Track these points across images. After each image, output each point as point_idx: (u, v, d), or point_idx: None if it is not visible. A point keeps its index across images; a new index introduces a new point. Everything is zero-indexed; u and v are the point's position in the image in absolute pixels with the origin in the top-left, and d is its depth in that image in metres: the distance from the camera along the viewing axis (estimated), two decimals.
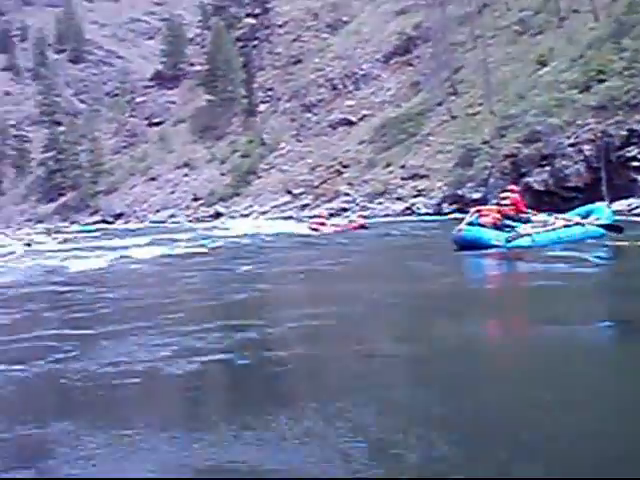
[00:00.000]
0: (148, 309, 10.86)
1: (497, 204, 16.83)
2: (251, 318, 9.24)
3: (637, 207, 24.11)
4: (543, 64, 41.69)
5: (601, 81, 29.39)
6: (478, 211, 16.55)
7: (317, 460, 3.94)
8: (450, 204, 34.89)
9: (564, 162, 27.31)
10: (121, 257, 22.33)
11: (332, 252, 20.34)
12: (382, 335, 8.01)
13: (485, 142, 35.68)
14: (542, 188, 27.87)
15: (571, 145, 27.42)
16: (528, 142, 29.96)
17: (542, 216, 16.82)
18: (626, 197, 24.91)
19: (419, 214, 38.90)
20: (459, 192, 33.58)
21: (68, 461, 4.22)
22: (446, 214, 32.92)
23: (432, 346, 6.78)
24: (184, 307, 10.94)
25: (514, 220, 15.91)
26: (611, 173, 26.08)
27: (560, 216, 16.81)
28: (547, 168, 28.09)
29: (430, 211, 37.28)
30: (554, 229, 15.63)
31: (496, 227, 15.66)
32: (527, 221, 16.09)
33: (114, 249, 26.76)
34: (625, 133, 25.85)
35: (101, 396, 5.85)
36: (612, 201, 25.45)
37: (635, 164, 25.31)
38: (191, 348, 7.25)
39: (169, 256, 22.15)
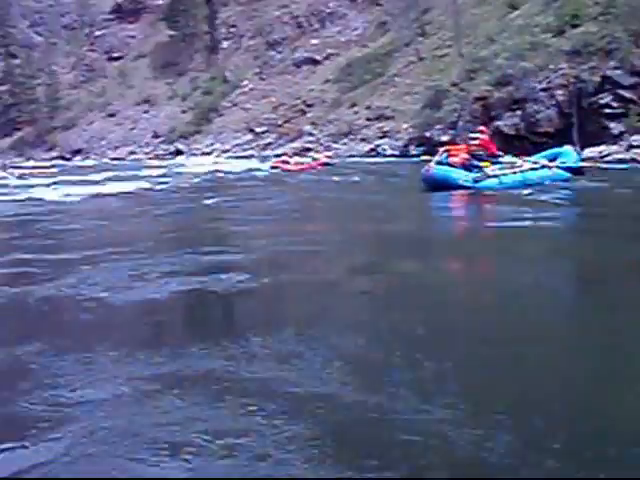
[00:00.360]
0: (118, 238, 10.91)
1: (466, 144, 16.77)
2: (218, 246, 9.34)
3: (609, 154, 23.75)
4: (514, 7, 41.00)
5: (575, 26, 28.79)
6: (447, 151, 16.49)
7: (283, 373, 4.10)
8: (417, 146, 34.22)
9: (535, 107, 26.67)
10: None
11: (296, 190, 20.17)
12: (342, 267, 7.96)
13: (454, 84, 35.03)
14: (512, 132, 27.26)
15: (543, 90, 26.79)
16: (499, 85, 29.31)
17: (509, 158, 16.77)
18: (597, 144, 24.50)
19: (384, 155, 38.35)
20: (427, 134, 32.88)
21: (38, 385, 4.17)
22: (412, 156, 32.33)
23: (389, 279, 6.97)
24: (154, 237, 11.05)
25: (482, 160, 15.83)
26: (583, 119, 25.57)
27: (527, 159, 16.90)
28: (518, 112, 27.39)
29: (396, 153, 36.71)
30: (521, 171, 15.69)
31: (464, 167, 15.55)
32: (495, 162, 16.02)
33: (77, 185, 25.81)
34: (598, 79, 25.28)
35: (70, 318, 5.89)
36: (583, 148, 25.16)
37: (608, 111, 24.73)
38: (161, 273, 7.27)
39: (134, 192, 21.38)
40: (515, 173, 15.59)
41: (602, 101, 25.19)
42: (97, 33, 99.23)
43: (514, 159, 16.65)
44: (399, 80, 46.92)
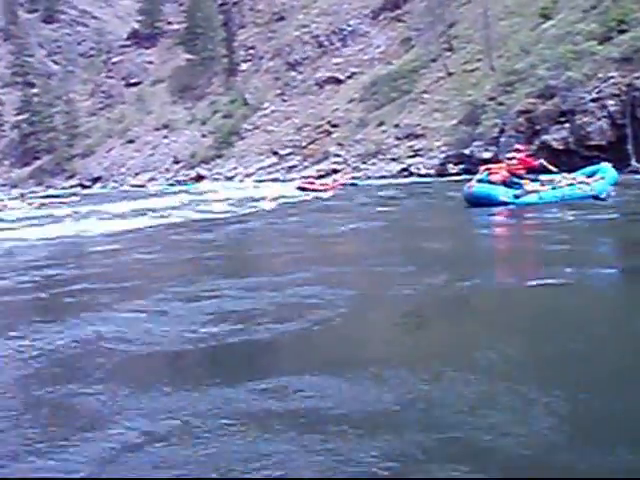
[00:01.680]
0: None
1: (506, 163, 17.05)
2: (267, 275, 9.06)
3: None
4: (547, 17, 39.55)
5: (622, 31, 27.19)
6: (488, 169, 16.94)
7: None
8: (455, 164, 32.65)
9: (585, 118, 25.04)
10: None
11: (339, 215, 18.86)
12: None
13: (491, 98, 33.43)
14: (561, 147, 25.69)
15: (593, 100, 25.16)
16: (542, 97, 27.77)
17: (548, 176, 17.13)
18: None
19: (419, 175, 36.70)
20: (465, 151, 31.26)
21: (93, 424, 3.98)
22: (451, 174, 30.69)
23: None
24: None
25: (522, 178, 16.32)
26: (637, 130, 23.96)
27: (566, 175, 17.13)
28: (566, 125, 25.83)
29: (431, 172, 35.00)
30: (560, 187, 16.09)
31: (505, 184, 16.12)
32: (534, 179, 16.49)
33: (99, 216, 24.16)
34: None
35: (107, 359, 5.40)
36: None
37: None
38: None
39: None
40: (554, 189, 15.97)
41: None
42: (114, 59, 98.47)
43: (553, 175, 17.00)
44: (428, 97, 45.39)
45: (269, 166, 56.14)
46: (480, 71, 42.67)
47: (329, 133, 52.89)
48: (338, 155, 48.24)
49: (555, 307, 6.18)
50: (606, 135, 24.66)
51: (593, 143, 24.84)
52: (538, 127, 27.17)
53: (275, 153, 57.12)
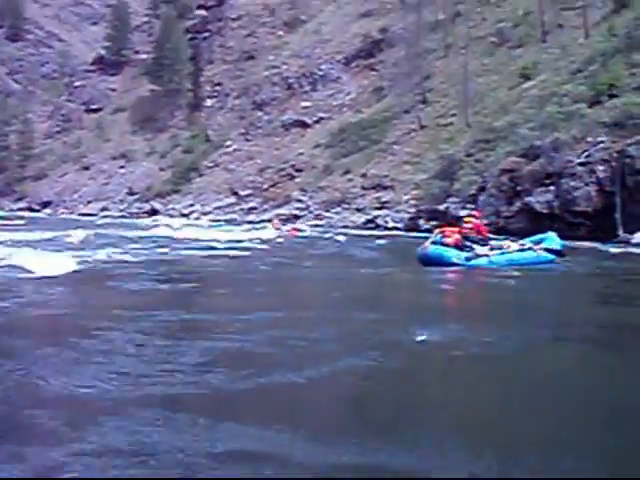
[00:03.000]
0: None
1: (459, 226, 17.72)
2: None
3: None
4: (527, 77, 38.57)
5: (612, 96, 25.94)
6: (442, 232, 17.35)
7: None
8: (428, 220, 30.89)
9: (572, 183, 23.46)
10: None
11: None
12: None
13: (469, 155, 31.95)
14: (545, 210, 24.09)
15: (581, 164, 23.66)
16: (526, 157, 26.28)
17: (498, 241, 17.98)
18: None
19: (386, 228, 34.94)
20: (440, 207, 29.53)
21: None
22: (423, 230, 28.85)
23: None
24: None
25: (474, 242, 16.93)
26: (626, 199, 22.49)
27: (513, 241, 17.92)
28: (551, 188, 24.25)
29: (399, 225, 33.17)
30: (509, 252, 16.68)
31: (457, 247, 16.58)
32: (485, 244, 17.09)
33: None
34: None
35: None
36: (630, 232, 21.97)
37: None
38: None
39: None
40: (504, 253, 16.54)
41: None
42: (76, 83, 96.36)
43: (503, 242, 17.72)
44: (398, 148, 43.93)
45: (227, 206, 54.11)
46: (454, 126, 41.40)
47: (292, 177, 51.16)
48: (300, 201, 46.44)
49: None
50: (593, 202, 23.13)
51: (579, 209, 23.29)
52: (520, 188, 25.62)
53: (235, 193, 55.18)
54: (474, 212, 20.05)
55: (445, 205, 29.54)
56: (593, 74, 28.45)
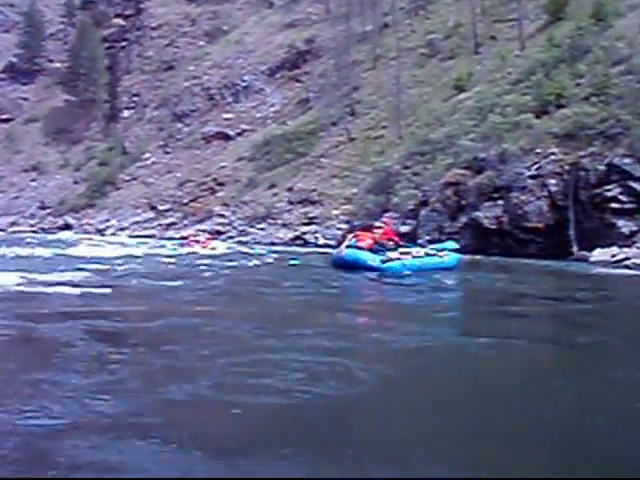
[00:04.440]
0: None
1: (371, 232, 18.38)
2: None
3: (625, 258, 18.71)
4: (461, 89, 37.11)
5: (560, 106, 24.39)
6: (356, 236, 18.43)
7: None
8: None
9: (523, 197, 21.65)
10: None
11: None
12: None
13: (406, 167, 30.05)
14: (493, 226, 22.25)
15: (532, 177, 21.90)
16: (470, 169, 24.48)
17: (408, 247, 18.46)
18: (602, 245, 19.60)
19: (316, 245, 32.75)
20: (376, 223, 27.28)
21: None
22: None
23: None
24: None
25: (384, 247, 17.55)
26: (580, 215, 20.84)
27: (420, 248, 18.74)
28: (500, 202, 22.44)
29: (331, 242, 30.89)
30: (420, 257, 17.39)
31: (371, 250, 17.20)
32: (395, 249, 17.67)
33: None
34: (603, 168, 20.56)
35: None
36: (584, 249, 20.28)
37: (615, 206, 19.94)
38: None
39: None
40: (415, 258, 17.20)
41: (608, 193, 20.44)
42: None
43: (411, 248, 18.25)
44: (326, 161, 41.95)
45: (145, 221, 51.31)
46: (386, 138, 39.66)
47: (214, 191, 48.69)
48: (223, 215, 44.04)
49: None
50: (545, 217, 21.35)
51: (530, 225, 21.49)
52: (464, 202, 23.79)
53: (153, 208, 52.44)
54: (385, 219, 21.02)
55: (382, 221, 27.51)
56: (537, 84, 26.90)
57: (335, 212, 35.57)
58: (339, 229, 32.56)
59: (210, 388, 5.58)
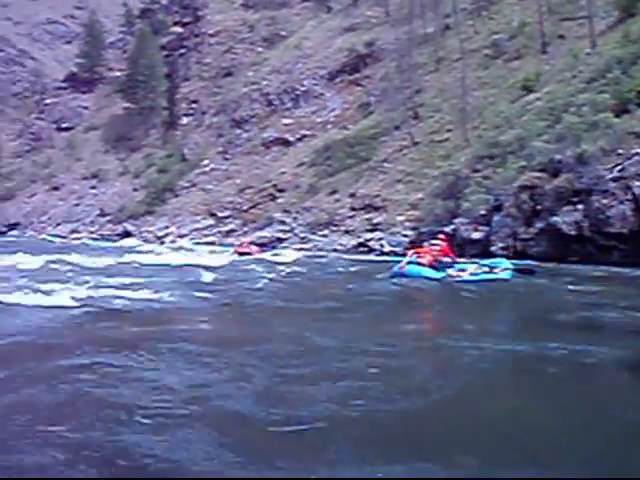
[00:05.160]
0: None
1: (429, 248, 18.91)
2: None
3: None
4: (529, 89, 35.81)
5: None
6: (416, 252, 18.95)
7: None
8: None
9: (604, 201, 20.43)
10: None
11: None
12: None
13: (475, 171, 28.90)
14: (572, 232, 21.03)
15: (614, 180, 20.65)
16: (545, 172, 23.28)
17: (463, 263, 19.18)
18: None
19: (382, 252, 31.67)
20: (446, 229, 26.20)
21: None
22: None
23: None
24: None
25: (442, 263, 18.26)
26: None
27: (475, 262, 19.21)
28: (579, 207, 21.19)
29: (398, 250, 29.82)
30: (477, 273, 17.80)
31: (431, 267, 17.92)
32: (451, 265, 18.46)
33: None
34: None
35: None
36: None
37: None
38: None
39: None
40: (472, 274, 17.70)
41: None
42: (47, 101, 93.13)
43: (466, 264, 18.82)
44: (389, 166, 40.91)
45: (205, 228, 50.82)
46: (451, 142, 38.49)
47: (274, 198, 47.97)
48: (283, 222, 43.26)
49: None
50: (629, 222, 20.04)
51: (613, 230, 20.20)
52: (540, 207, 22.58)
53: (212, 214, 51.93)
54: (441, 235, 20.84)
55: (452, 227, 26.40)
56: (614, 82, 25.59)
57: (400, 218, 34.49)
58: (405, 236, 31.51)
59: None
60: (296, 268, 23.56)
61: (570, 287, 16.10)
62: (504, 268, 18.24)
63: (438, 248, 18.74)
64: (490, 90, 40.83)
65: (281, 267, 23.74)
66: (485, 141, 31.92)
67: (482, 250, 23.55)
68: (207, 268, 22.53)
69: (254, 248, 36.45)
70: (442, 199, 29.28)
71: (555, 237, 21.56)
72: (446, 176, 30.83)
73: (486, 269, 18.25)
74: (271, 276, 20.70)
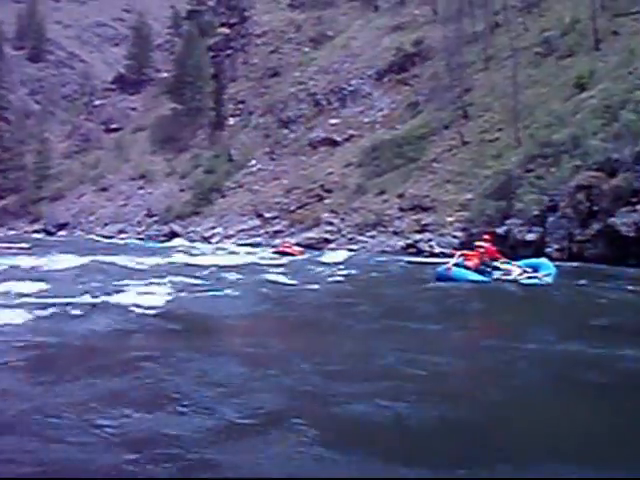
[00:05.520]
0: None
1: (477, 251, 18.68)
2: None
3: None
4: (582, 87, 34.99)
5: None
6: (463, 255, 18.91)
7: None
8: None
9: None
10: None
11: None
12: None
13: (528, 170, 28.22)
14: (631, 233, 20.35)
15: None
16: (602, 171, 22.59)
17: (506, 264, 18.90)
18: None
19: (431, 254, 31.14)
20: (498, 231, 25.59)
21: None
22: None
23: None
24: None
25: (487, 266, 18.15)
26: None
27: (517, 264, 18.96)
28: (639, 207, 20.48)
29: (446, 251, 29.26)
30: (521, 277, 17.88)
31: (477, 271, 17.84)
32: (496, 268, 18.35)
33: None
34: None
35: None
36: None
37: None
38: None
39: None
40: (518, 277, 17.79)
41: None
42: (96, 102, 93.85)
43: (509, 265, 18.62)
44: (438, 166, 40.34)
45: (251, 229, 50.65)
46: (502, 141, 37.80)
47: (321, 198, 47.62)
48: (331, 223, 42.89)
49: None
50: None
51: None
52: (597, 207, 21.91)
53: (259, 215, 51.74)
54: (486, 236, 20.60)
55: (505, 228, 25.77)
56: None
57: (449, 219, 33.95)
58: (454, 237, 30.99)
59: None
60: (343, 270, 23.16)
61: (630, 289, 15.53)
62: (547, 273, 18.20)
63: (483, 250, 18.59)
64: (542, 88, 40.04)
65: (330, 268, 23.43)
66: (537, 140, 31.22)
67: (536, 252, 22.90)
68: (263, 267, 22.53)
69: (296, 249, 36.75)
70: (494, 199, 28.68)
71: (613, 239, 20.91)
72: (497, 176, 30.21)
73: (530, 272, 18.26)
74: (325, 275, 21.20)
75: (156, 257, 29.25)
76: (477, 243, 19.48)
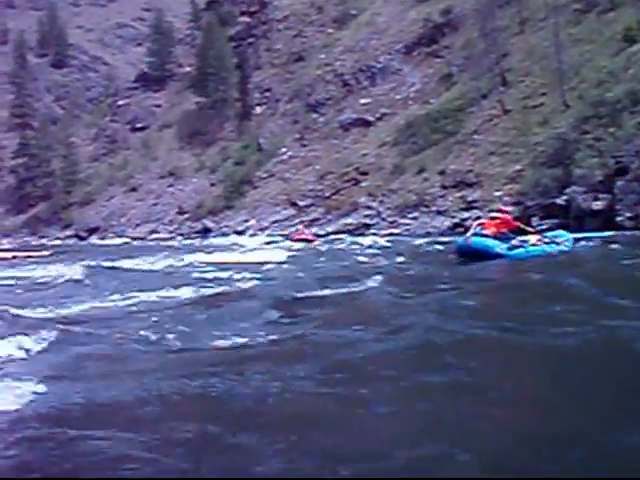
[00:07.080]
0: None
1: (493, 222, 18.19)
2: None
3: None
4: (632, 40, 32.27)
5: None
6: (480, 224, 18.55)
7: None
8: (542, 218, 24.48)
9: None
10: None
11: None
12: None
13: (584, 132, 25.61)
14: None
15: None
16: None
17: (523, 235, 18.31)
18: None
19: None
20: (557, 201, 23.07)
21: None
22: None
23: None
24: None
25: (508, 234, 17.85)
26: None
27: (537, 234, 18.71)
28: None
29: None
30: (540, 244, 17.59)
31: (496, 238, 17.49)
32: (514, 237, 17.85)
33: None
34: None
35: None
36: None
37: None
38: None
39: None
40: (535, 245, 17.37)
41: None
42: (120, 102, 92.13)
43: (527, 236, 18.03)
44: (480, 138, 37.80)
45: (286, 219, 48.50)
46: (547, 106, 35.16)
47: (357, 182, 45.26)
48: (370, 207, 40.54)
49: None
50: None
51: None
52: None
53: (293, 204, 49.54)
54: (501, 207, 20.69)
55: (565, 197, 23.23)
56: None
57: (498, 193, 31.44)
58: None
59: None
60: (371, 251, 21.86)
61: None
62: (565, 240, 18.24)
63: (498, 221, 18.19)
64: (585, 46, 37.31)
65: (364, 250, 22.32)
66: (588, 101, 28.58)
67: (604, 222, 20.39)
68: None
69: (310, 236, 36.55)
70: (548, 167, 26.06)
71: None
72: (549, 142, 27.60)
73: (547, 240, 18.05)
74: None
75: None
76: (491, 214, 19.49)
